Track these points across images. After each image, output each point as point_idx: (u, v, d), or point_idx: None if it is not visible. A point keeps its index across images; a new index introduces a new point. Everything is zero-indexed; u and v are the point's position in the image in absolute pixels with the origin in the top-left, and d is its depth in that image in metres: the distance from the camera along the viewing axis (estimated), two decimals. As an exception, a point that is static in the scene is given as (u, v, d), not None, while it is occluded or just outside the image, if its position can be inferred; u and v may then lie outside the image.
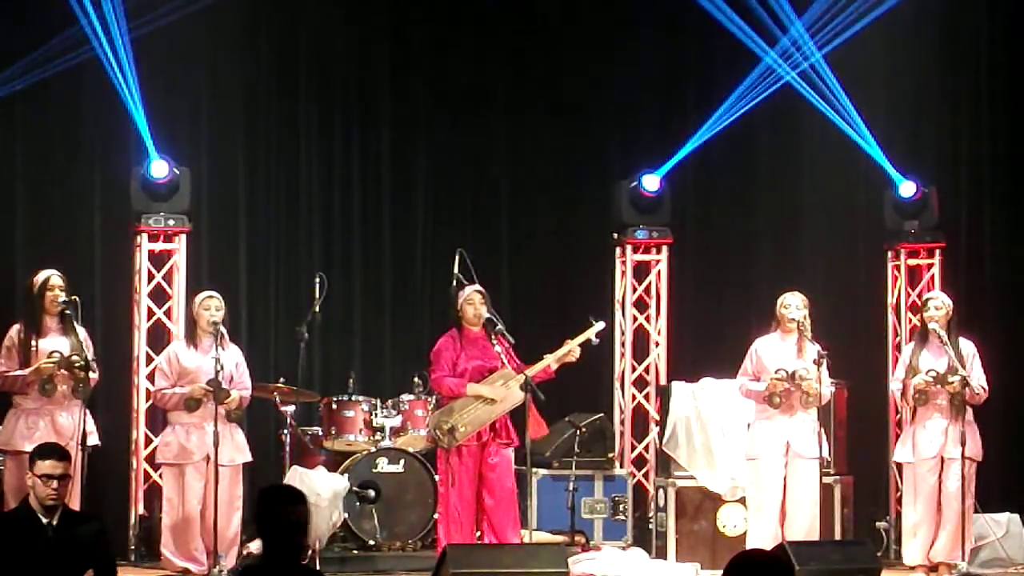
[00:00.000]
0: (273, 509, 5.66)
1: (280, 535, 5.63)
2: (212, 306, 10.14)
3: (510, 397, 9.94)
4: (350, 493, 10.97)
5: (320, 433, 11.52)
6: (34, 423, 9.69)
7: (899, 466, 11.13)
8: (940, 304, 10.50)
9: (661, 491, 11.38)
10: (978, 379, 10.42)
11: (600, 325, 10.15)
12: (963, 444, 10.26)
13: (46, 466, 7.76)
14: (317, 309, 11.52)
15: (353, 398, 11.48)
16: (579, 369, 10.71)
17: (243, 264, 12.55)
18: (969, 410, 10.41)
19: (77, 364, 9.64)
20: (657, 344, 12.54)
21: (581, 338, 10.08)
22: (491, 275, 11.47)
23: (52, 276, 9.85)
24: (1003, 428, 12.27)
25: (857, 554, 9.92)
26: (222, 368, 9.95)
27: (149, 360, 11.38)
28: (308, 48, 12.86)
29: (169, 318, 11.62)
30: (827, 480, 10.77)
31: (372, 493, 11.15)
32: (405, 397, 11.53)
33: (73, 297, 9.79)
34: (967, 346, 10.47)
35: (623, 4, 13.12)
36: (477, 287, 10.22)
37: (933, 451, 10.40)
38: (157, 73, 11.76)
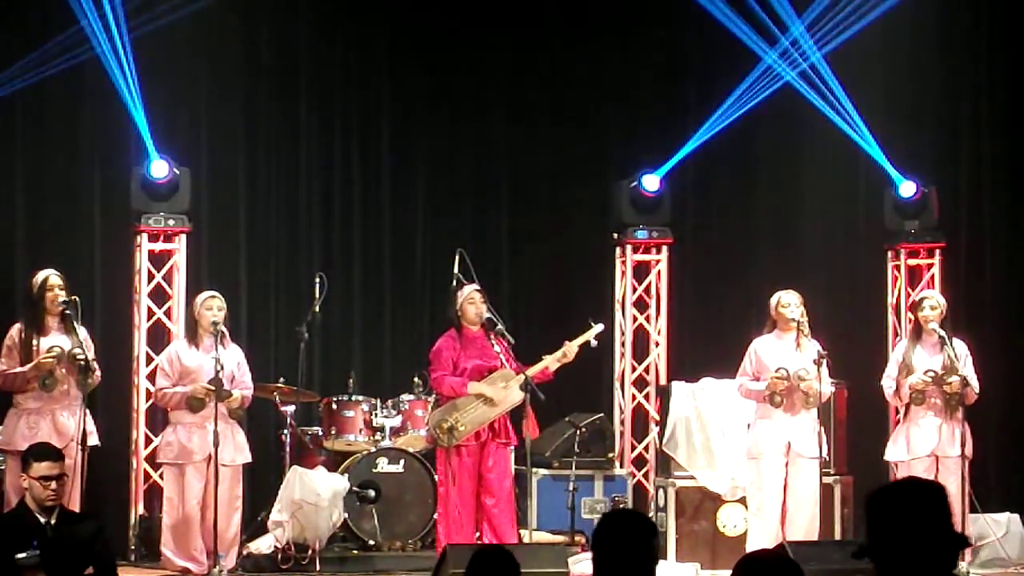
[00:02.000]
0: (619, 537, 4.75)
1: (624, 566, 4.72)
2: (214, 306, 10.15)
3: (510, 397, 9.94)
4: (350, 493, 10.97)
5: (320, 433, 11.51)
6: (35, 423, 9.69)
7: (893, 464, 11.10)
8: (935, 303, 10.50)
9: (661, 491, 11.37)
10: (972, 378, 10.42)
11: (599, 327, 10.16)
12: (963, 444, 10.27)
13: (43, 467, 7.77)
14: (317, 309, 11.53)
15: (353, 398, 11.48)
16: (579, 369, 10.71)
17: (243, 264, 12.55)
18: (960, 408, 10.42)
19: (79, 357, 9.63)
20: (657, 344, 12.54)
21: (580, 340, 10.07)
22: (491, 275, 11.48)
23: (51, 276, 9.86)
24: (1003, 428, 12.27)
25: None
26: (222, 368, 9.95)
27: (149, 360, 11.38)
28: (308, 48, 12.86)
29: (169, 318, 11.61)
30: (827, 480, 10.76)
31: (372, 493, 11.14)
32: (405, 397, 11.53)
33: (73, 297, 9.80)
34: (960, 346, 10.47)
35: (623, 3, 13.12)
36: (476, 286, 10.22)
37: (927, 449, 10.40)
38: (157, 73, 11.75)
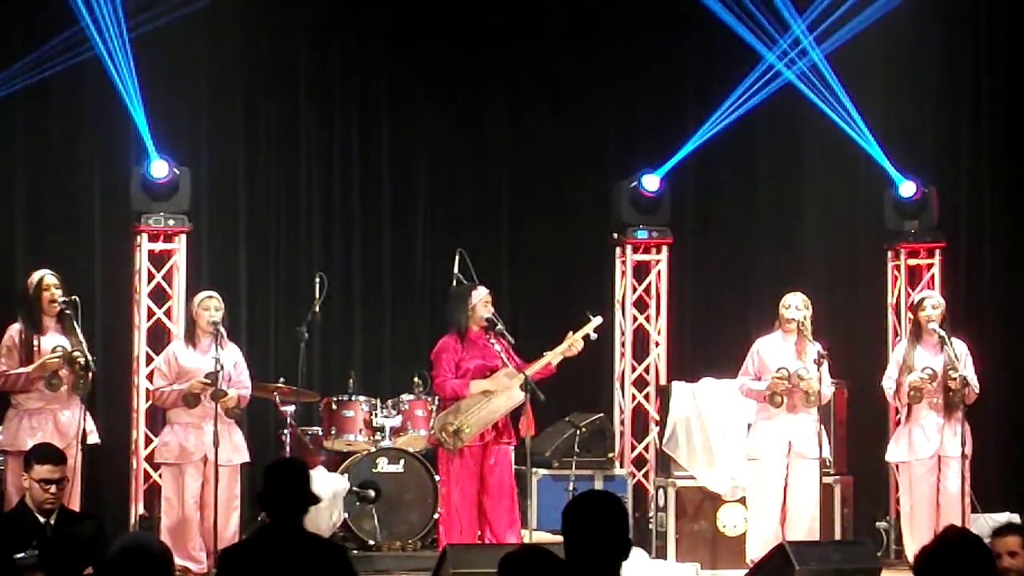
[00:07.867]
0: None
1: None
2: (211, 306, 10.15)
3: (512, 395, 9.91)
4: (350, 493, 10.97)
5: (320, 433, 11.51)
6: (38, 423, 9.69)
7: (894, 465, 11.10)
8: (937, 303, 10.51)
9: (661, 491, 11.37)
10: (971, 378, 10.42)
11: (598, 320, 10.13)
12: (963, 443, 10.26)
13: (44, 471, 7.77)
14: (317, 309, 11.53)
15: (353, 398, 11.47)
16: (579, 369, 10.70)
17: (243, 264, 12.55)
18: (960, 408, 10.42)
19: (79, 358, 9.64)
20: (657, 344, 12.53)
21: (579, 334, 10.06)
22: (491, 275, 11.45)
23: (46, 276, 9.86)
24: (1003, 428, 12.27)
25: (857, 554, 9.91)
26: (222, 368, 9.95)
27: (149, 360, 11.37)
28: (308, 48, 12.86)
29: (169, 318, 11.61)
30: (827, 480, 10.76)
31: (372, 493, 11.14)
32: (405, 397, 11.53)
33: (73, 297, 9.80)
34: (960, 346, 10.47)
35: (623, 4, 13.12)
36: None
37: (930, 450, 10.39)
38: (157, 73, 11.76)
